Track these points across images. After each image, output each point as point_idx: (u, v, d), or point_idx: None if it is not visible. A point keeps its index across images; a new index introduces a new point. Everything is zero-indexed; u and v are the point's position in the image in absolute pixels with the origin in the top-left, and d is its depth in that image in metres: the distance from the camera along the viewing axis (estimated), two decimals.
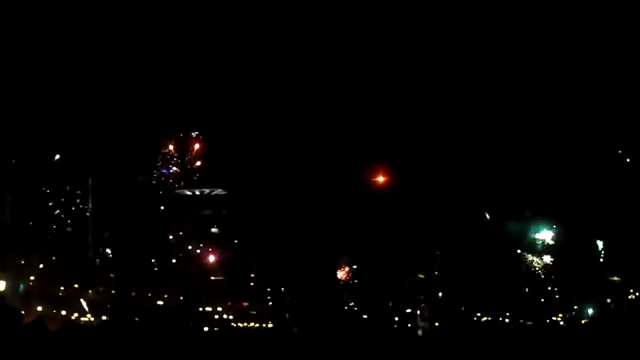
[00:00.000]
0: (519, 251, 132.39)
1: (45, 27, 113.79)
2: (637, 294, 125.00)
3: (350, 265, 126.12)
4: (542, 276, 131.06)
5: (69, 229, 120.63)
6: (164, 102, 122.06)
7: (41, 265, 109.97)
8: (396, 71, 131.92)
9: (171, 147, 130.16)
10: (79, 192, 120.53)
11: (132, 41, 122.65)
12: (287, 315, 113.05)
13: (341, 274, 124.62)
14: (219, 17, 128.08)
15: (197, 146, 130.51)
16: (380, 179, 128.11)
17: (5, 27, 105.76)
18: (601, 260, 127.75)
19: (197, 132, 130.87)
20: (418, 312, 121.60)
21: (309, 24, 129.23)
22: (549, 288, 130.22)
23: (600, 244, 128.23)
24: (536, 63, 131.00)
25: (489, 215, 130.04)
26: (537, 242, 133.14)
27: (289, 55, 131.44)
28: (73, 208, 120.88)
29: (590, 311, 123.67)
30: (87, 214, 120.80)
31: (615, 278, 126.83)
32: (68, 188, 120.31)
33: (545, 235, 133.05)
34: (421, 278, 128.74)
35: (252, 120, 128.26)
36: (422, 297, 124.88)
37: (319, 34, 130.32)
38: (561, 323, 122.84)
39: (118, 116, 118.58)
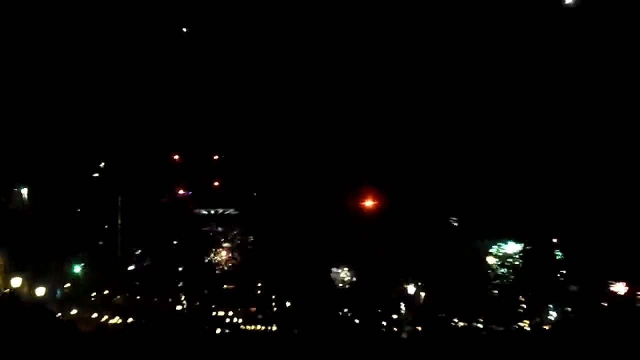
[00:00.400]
0: (490, 262, 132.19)
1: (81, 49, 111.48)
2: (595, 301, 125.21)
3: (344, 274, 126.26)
4: (510, 285, 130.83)
5: (100, 243, 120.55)
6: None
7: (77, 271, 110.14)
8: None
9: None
10: (109, 210, 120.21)
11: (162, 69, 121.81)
12: (288, 319, 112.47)
13: (337, 281, 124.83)
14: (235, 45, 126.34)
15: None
16: (369, 202, 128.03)
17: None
18: (562, 271, 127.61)
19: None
20: (403, 318, 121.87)
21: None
22: (516, 296, 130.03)
23: (560, 254, 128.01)
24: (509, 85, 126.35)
25: (461, 228, 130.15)
26: (505, 254, 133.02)
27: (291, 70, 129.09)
28: (104, 225, 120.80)
29: (552, 317, 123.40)
30: (117, 229, 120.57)
31: (574, 287, 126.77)
32: (99, 206, 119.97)
33: (513, 247, 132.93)
34: (405, 288, 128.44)
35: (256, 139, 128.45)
36: (406, 305, 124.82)
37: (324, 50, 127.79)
38: (527, 328, 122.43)
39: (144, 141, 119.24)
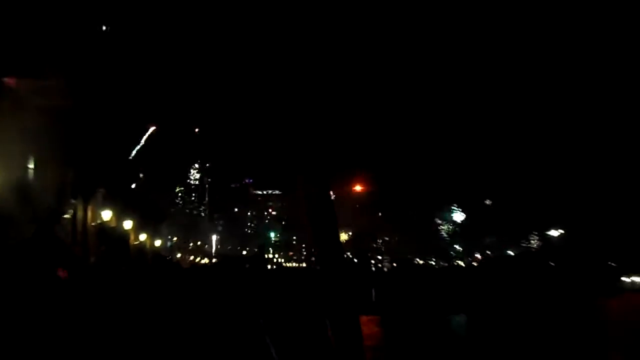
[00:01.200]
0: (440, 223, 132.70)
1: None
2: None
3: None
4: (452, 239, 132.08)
5: (194, 212, 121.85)
6: None
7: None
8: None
9: None
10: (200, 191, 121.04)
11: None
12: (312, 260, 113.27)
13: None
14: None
15: None
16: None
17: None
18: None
19: None
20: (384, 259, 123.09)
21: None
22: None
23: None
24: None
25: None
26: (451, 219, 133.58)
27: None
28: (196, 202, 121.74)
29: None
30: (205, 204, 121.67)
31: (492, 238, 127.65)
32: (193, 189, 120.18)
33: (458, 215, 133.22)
34: (386, 240, 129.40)
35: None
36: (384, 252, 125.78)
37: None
38: (462, 264, 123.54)
39: None
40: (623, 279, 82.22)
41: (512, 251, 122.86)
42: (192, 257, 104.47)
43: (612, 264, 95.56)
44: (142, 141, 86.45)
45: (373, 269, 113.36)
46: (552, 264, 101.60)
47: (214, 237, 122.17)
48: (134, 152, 78.77)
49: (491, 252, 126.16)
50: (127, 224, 50.56)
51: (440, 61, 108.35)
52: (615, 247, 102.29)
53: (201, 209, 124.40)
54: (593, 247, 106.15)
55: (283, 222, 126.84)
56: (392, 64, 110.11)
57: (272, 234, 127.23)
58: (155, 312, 19.93)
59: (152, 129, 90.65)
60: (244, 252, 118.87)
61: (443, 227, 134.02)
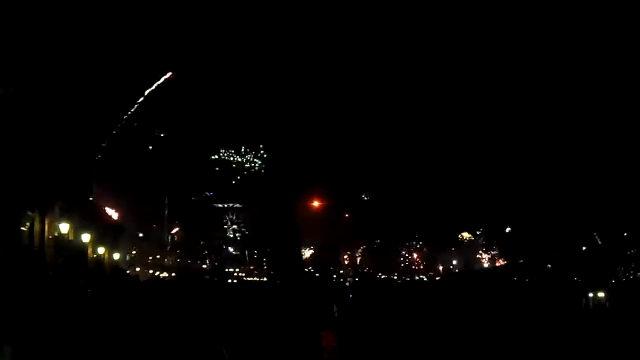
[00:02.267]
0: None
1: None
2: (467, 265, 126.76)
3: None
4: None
5: (154, 226, 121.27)
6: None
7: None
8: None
9: None
10: (158, 205, 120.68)
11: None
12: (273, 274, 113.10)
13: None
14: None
15: None
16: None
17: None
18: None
19: None
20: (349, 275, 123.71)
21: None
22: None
23: None
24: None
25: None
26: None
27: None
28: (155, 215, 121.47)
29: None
30: (164, 217, 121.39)
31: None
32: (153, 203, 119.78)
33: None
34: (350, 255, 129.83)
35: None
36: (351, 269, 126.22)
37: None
38: (424, 279, 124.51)
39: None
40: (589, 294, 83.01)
41: (477, 267, 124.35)
42: (151, 271, 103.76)
43: (578, 279, 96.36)
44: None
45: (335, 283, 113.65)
46: (515, 279, 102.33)
47: (174, 251, 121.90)
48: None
49: (454, 267, 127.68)
50: (85, 237, 50.13)
51: (427, 70, 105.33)
52: (580, 262, 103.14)
53: (161, 221, 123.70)
54: (558, 262, 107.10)
55: (244, 235, 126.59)
56: (372, 76, 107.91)
57: (232, 248, 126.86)
58: (112, 325, 19.89)
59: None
60: (204, 266, 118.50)
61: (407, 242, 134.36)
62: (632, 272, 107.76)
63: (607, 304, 79.11)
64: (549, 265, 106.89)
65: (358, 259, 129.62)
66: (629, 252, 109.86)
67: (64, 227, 44.87)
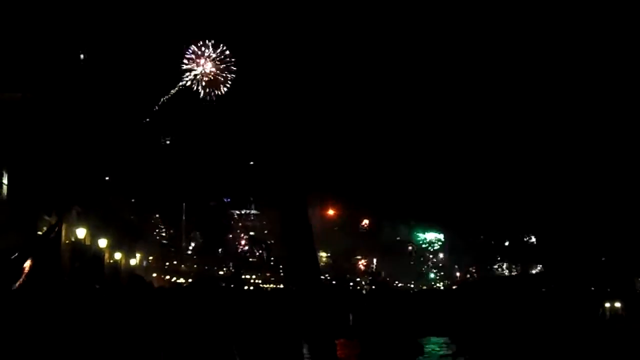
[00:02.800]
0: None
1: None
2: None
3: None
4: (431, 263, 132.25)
5: (171, 231, 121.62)
6: None
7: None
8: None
9: None
10: (176, 210, 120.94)
11: None
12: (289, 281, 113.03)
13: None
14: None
15: None
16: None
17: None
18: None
19: None
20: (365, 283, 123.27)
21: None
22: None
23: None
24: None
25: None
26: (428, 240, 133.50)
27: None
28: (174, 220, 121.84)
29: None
30: (182, 223, 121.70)
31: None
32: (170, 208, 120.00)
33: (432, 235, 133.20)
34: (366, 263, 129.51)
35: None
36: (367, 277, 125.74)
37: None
38: (441, 287, 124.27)
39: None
40: (606, 304, 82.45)
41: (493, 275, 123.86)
42: (167, 277, 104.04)
43: (593, 289, 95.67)
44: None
45: (351, 291, 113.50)
46: (534, 288, 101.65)
47: (191, 257, 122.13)
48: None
49: (470, 276, 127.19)
50: (102, 242, 50.33)
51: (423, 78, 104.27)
52: (595, 271, 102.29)
53: (178, 227, 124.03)
54: (575, 272, 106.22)
55: (261, 242, 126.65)
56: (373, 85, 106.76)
57: (249, 255, 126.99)
58: (129, 331, 19.83)
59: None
60: (221, 272, 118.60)
61: (423, 249, 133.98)
62: None
63: (624, 314, 78.74)
64: (566, 275, 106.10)
65: (374, 267, 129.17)
66: None
67: (81, 232, 44.97)
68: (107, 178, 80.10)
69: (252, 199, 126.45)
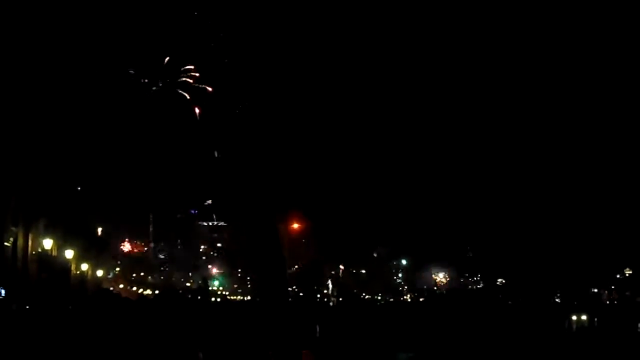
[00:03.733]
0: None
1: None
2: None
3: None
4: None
5: (138, 243, 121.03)
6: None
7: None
8: None
9: None
10: (142, 223, 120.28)
11: None
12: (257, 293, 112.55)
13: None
14: None
15: None
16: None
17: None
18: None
19: None
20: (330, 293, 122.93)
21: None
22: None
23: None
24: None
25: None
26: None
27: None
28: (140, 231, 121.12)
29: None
30: (150, 235, 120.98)
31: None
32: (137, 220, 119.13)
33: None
34: (333, 274, 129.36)
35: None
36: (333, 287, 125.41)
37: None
38: (408, 299, 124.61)
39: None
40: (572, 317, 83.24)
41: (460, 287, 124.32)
42: (134, 288, 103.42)
43: (559, 301, 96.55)
44: None
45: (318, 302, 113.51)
46: (499, 300, 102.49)
47: (158, 268, 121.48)
48: None
49: (438, 288, 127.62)
50: (69, 254, 49.97)
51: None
52: (561, 284, 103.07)
53: (146, 239, 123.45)
54: (541, 284, 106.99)
55: (228, 254, 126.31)
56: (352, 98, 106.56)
57: (216, 267, 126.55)
58: (92, 342, 19.90)
59: None
60: (188, 284, 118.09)
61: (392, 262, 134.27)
62: (616, 296, 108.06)
63: (590, 327, 79.53)
64: (532, 287, 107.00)
65: (341, 278, 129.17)
66: (615, 276, 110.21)
67: (48, 243, 44.77)
68: (78, 188, 79.48)
69: (214, 213, 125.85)
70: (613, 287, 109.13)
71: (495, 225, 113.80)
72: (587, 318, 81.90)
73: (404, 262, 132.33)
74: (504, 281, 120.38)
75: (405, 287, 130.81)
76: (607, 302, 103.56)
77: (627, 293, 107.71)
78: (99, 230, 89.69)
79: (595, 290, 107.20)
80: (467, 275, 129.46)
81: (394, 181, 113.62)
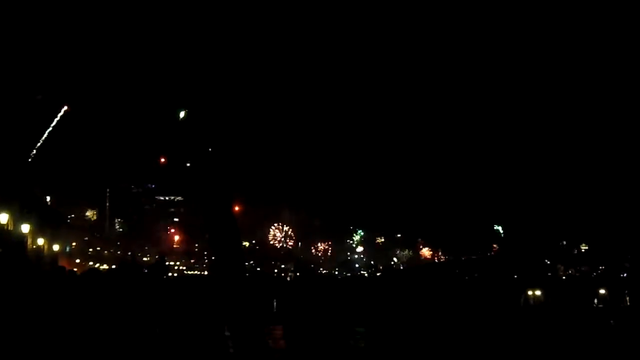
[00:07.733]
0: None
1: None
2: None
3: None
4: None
5: (94, 218, 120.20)
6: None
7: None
8: None
9: None
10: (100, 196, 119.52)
11: None
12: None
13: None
14: None
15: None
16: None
17: None
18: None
19: None
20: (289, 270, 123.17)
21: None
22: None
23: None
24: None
25: None
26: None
27: None
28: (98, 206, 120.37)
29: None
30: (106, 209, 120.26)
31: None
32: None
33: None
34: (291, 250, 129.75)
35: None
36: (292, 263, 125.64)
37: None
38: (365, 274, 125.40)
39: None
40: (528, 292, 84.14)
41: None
42: (91, 263, 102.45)
43: (516, 276, 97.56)
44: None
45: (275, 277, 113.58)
46: (455, 276, 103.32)
47: (115, 243, 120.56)
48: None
49: (391, 266, 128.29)
50: (25, 228, 49.38)
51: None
52: (518, 260, 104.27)
53: (102, 213, 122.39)
54: (497, 260, 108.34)
55: (185, 228, 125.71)
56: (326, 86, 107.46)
57: (174, 241, 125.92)
58: (47, 316, 19.64)
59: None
60: (145, 259, 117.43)
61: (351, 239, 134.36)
62: (571, 270, 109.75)
63: (545, 301, 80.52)
64: (489, 263, 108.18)
65: (300, 254, 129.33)
66: (570, 251, 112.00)
67: (3, 218, 44.17)
68: (30, 160, 78.43)
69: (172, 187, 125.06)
70: (569, 261, 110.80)
71: (456, 199, 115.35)
72: (542, 292, 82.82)
73: (361, 233, 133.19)
74: (464, 258, 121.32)
75: (362, 263, 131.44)
76: (563, 277, 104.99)
77: (584, 268, 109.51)
78: (54, 202, 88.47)
79: (549, 263, 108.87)
80: (430, 251, 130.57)
81: (358, 161, 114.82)
